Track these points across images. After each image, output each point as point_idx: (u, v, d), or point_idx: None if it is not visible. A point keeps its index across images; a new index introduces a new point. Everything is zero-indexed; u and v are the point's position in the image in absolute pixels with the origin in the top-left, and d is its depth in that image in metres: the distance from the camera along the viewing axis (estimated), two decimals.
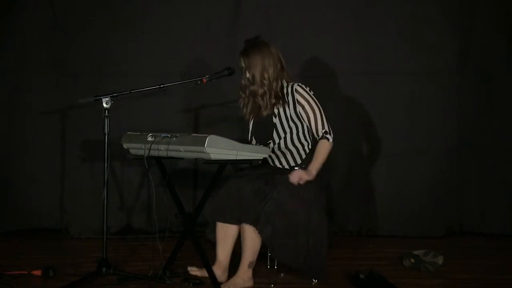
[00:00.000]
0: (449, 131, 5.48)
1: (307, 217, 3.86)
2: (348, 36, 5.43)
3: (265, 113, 4.03)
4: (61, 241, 5.26)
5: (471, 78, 5.46)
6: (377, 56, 5.43)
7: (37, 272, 4.08)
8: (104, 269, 3.88)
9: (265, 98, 3.99)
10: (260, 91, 3.98)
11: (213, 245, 4.09)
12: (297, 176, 3.89)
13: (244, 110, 4.14)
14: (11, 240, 5.17)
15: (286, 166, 4.02)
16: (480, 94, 5.48)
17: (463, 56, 5.45)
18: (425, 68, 5.43)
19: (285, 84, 4.02)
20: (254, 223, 3.80)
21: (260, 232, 3.79)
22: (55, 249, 4.94)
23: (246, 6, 5.40)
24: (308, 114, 3.96)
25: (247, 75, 4.00)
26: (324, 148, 3.95)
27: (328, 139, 3.94)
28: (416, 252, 4.37)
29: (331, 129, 3.97)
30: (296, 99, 3.96)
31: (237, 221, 3.92)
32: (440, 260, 4.33)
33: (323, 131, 3.95)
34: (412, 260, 4.35)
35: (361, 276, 3.86)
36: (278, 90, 3.99)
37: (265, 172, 3.97)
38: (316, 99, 3.98)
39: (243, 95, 4.10)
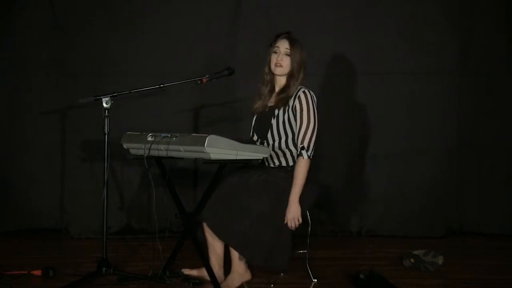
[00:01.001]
0: (449, 131, 5.48)
1: (272, 209, 3.81)
2: (348, 36, 5.43)
3: (271, 103, 4.01)
4: (61, 241, 5.26)
5: (471, 78, 5.46)
6: (377, 56, 5.43)
7: (37, 272, 4.08)
8: (104, 269, 3.88)
9: (295, 85, 3.95)
10: (298, 81, 3.94)
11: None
12: (292, 221, 3.83)
13: (255, 102, 4.11)
14: (11, 240, 5.17)
15: (278, 165, 4.00)
16: (480, 94, 5.48)
17: (463, 56, 5.45)
18: (425, 68, 5.43)
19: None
20: (211, 227, 3.80)
21: (222, 239, 3.80)
22: (55, 249, 4.94)
23: (246, 6, 5.40)
24: (296, 121, 3.92)
25: (282, 58, 3.93)
26: (300, 167, 3.87)
27: (303, 156, 3.87)
28: (416, 252, 4.37)
29: (312, 145, 3.88)
30: (295, 104, 3.92)
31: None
32: (440, 260, 4.33)
33: (301, 145, 3.88)
34: (412, 260, 4.35)
35: (361, 276, 3.86)
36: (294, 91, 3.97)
37: (252, 171, 3.95)
38: (316, 110, 3.93)
39: (266, 78, 4.05)
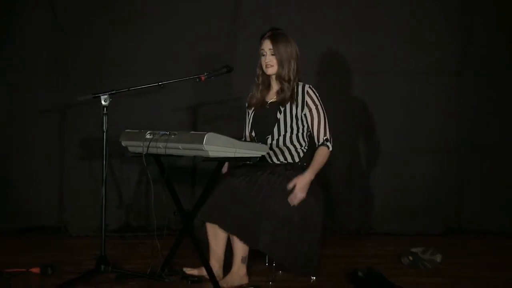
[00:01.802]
0: (449, 131, 5.47)
1: (300, 215, 3.82)
2: (348, 36, 5.44)
3: (276, 99, 4.03)
4: (60, 239, 5.26)
5: (471, 78, 5.46)
6: (377, 56, 5.43)
7: (36, 270, 4.08)
8: (102, 266, 3.88)
9: (288, 83, 3.98)
10: (286, 77, 3.97)
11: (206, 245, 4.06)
12: (299, 192, 3.83)
13: (252, 97, 4.12)
14: (10, 238, 5.17)
15: (284, 162, 4.01)
16: (480, 94, 5.47)
17: (463, 56, 5.45)
18: (425, 68, 5.43)
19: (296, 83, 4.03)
20: (238, 234, 3.79)
21: (247, 242, 3.79)
22: (54, 247, 4.94)
23: (246, 6, 5.41)
24: (313, 118, 3.97)
25: (269, 59, 3.96)
26: (323, 154, 3.94)
27: (328, 147, 3.95)
28: (414, 250, 4.36)
29: (332, 137, 3.97)
30: (306, 101, 3.97)
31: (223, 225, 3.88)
32: (438, 257, 4.33)
33: (325, 138, 3.95)
34: (410, 258, 4.34)
35: (360, 274, 3.86)
36: (294, 86, 4.00)
37: (257, 170, 3.94)
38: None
39: (257, 81, 4.09)
